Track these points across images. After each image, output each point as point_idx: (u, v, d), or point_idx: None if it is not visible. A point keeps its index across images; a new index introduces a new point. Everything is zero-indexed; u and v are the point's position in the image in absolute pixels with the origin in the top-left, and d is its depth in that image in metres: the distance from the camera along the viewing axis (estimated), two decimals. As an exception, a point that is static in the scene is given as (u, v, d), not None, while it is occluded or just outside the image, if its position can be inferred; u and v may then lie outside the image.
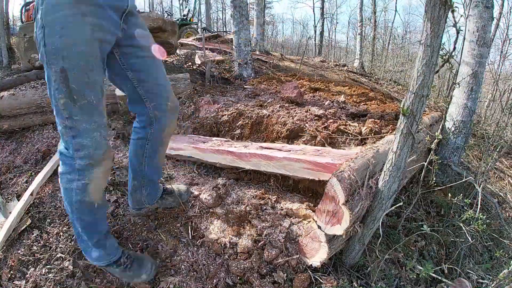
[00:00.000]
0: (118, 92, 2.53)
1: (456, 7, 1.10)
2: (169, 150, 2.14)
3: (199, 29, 10.15)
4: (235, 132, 2.33)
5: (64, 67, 1.02)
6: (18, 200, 1.79)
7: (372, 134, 2.00)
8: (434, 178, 2.15)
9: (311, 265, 1.49)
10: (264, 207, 1.67)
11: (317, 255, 1.44)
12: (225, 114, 2.44)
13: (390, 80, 6.87)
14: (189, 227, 1.66)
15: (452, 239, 1.96)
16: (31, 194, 1.75)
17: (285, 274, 1.48)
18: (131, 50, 1.26)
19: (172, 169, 2.11)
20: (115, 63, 1.27)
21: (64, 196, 1.24)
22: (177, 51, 4.88)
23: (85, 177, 1.16)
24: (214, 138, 2.20)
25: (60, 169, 1.22)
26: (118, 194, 1.85)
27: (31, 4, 3.45)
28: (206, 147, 1.95)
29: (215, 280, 1.43)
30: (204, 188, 1.82)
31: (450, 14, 1.13)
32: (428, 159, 1.80)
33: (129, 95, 1.37)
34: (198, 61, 4.56)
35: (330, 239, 1.42)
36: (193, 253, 1.55)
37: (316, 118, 2.28)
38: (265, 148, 1.80)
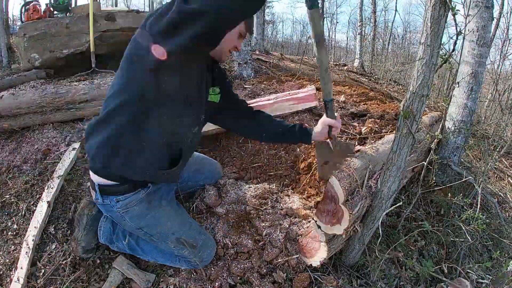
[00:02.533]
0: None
1: (457, 10, 1.10)
2: None
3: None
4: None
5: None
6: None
7: (372, 134, 2.00)
8: (434, 178, 2.15)
9: (311, 265, 1.49)
10: (264, 207, 1.67)
11: (317, 254, 1.44)
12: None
13: (390, 80, 6.87)
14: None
15: (452, 238, 1.96)
16: (48, 206, 1.75)
17: (285, 274, 1.48)
18: None
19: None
20: None
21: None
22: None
23: None
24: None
25: None
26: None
27: (31, 4, 3.45)
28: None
29: (217, 283, 1.43)
30: (205, 188, 1.82)
31: (450, 14, 1.13)
32: (428, 159, 1.80)
33: None
34: (198, 61, 4.55)
35: (330, 238, 1.42)
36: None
37: (316, 118, 2.28)
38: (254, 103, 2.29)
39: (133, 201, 1.24)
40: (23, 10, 3.52)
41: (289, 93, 2.39)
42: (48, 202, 1.75)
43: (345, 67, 7.35)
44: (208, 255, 1.45)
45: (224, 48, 1.25)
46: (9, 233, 1.73)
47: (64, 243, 1.60)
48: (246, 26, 1.26)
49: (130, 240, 1.45)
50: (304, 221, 1.58)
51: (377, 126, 2.11)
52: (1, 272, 1.57)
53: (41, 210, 1.72)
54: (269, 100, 2.30)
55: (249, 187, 1.81)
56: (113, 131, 1.13)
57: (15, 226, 1.75)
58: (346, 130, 2.07)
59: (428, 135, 2.16)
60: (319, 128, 1.41)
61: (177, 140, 1.24)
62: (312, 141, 1.49)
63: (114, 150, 1.13)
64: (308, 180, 1.85)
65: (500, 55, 8.17)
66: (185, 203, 1.79)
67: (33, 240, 1.58)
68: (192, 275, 1.47)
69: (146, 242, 1.45)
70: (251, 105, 1.63)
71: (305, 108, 2.22)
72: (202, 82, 1.24)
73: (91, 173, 1.24)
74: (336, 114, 1.38)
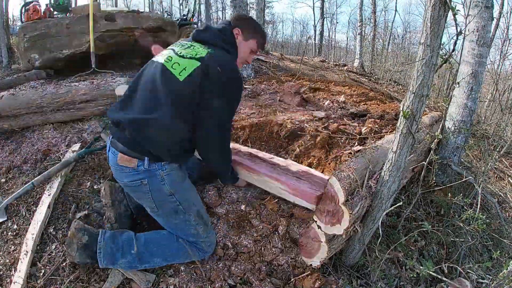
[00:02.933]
0: (118, 92, 2.53)
1: (457, 10, 1.10)
2: None
3: (199, 29, 10.12)
4: (237, 132, 2.33)
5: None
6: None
7: (372, 134, 2.00)
8: (434, 178, 2.15)
9: (311, 265, 1.49)
10: (264, 207, 1.67)
11: (317, 255, 1.44)
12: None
13: (390, 80, 6.87)
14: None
15: (452, 239, 1.96)
16: (48, 207, 1.75)
17: (285, 274, 1.48)
18: None
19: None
20: None
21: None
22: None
23: None
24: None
25: None
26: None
27: (31, 4, 3.45)
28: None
29: (217, 284, 1.43)
30: (205, 188, 1.82)
31: (450, 14, 1.13)
32: (428, 159, 1.80)
33: None
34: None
35: (330, 239, 1.42)
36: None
37: (316, 118, 2.28)
38: (254, 156, 1.79)
39: (174, 167, 1.41)
40: (23, 11, 3.53)
41: (290, 172, 1.64)
42: (48, 202, 1.75)
43: (345, 67, 7.35)
44: (213, 240, 1.52)
45: (239, 58, 1.51)
46: (9, 233, 1.73)
47: (64, 244, 1.60)
48: (257, 44, 1.54)
49: (140, 246, 1.43)
50: (304, 221, 1.58)
51: (377, 126, 2.11)
52: (1, 273, 1.57)
53: (41, 211, 1.72)
54: (266, 161, 1.76)
55: (249, 187, 1.81)
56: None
57: (15, 227, 1.75)
58: (346, 130, 2.07)
59: (428, 135, 2.16)
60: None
61: None
62: None
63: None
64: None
65: (500, 55, 8.17)
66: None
67: (33, 241, 1.58)
68: (192, 276, 1.47)
69: (158, 239, 1.47)
70: (248, 157, 1.80)
71: (294, 202, 1.52)
72: None
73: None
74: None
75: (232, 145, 1.98)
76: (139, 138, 1.31)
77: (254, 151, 1.88)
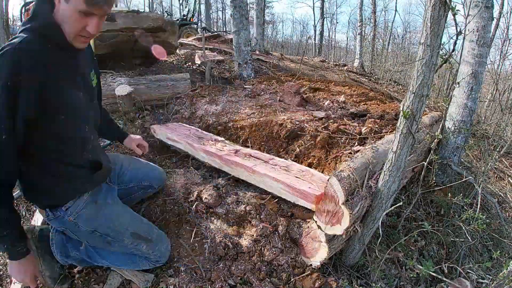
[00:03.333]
0: (118, 92, 2.53)
1: (457, 10, 1.10)
2: (166, 139, 2.14)
3: (199, 29, 10.14)
4: (237, 133, 2.33)
5: None
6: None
7: (372, 134, 2.00)
8: (434, 178, 2.15)
9: (311, 265, 1.49)
10: (264, 207, 1.67)
11: (317, 255, 1.44)
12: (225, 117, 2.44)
13: (390, 80, 6.87)
14: (193, 233, 1.66)
15: (452, 239, 1.96)
16: None
17: (285, 274, 1.48)
18: None
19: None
20: None
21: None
22: (177, 51, 4.88)
23: None
24: (210, 135, 2.20)
25: None
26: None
27: (31, 4, 3.45)
28: (197, 146, 1.94)
29: (217, 284, 1.43)
30: (205, 188, 1.82)
31: (450, 14, 1.13)
32: (428, 159, 1.80)
33: None
34: (198, 61, 4.56)
35: (330, 239, 1.42)
36: (194, 258, 1.55)
37: (316, 118, 2.28)
38: (253, 157, 1.78)
39: (80, 205, 1.26)
40: (23, 11, 3.53)
41: (289, 172, 1.66)
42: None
43: (345, 67, 7.35)
44: (165, 249, 1.47)
45: (68, 30, 1.04)
46: (9, 233, 1.73)
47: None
48: (85, 1, 0.98)
49: (87, 245, 1.40)
50: (304, 221, 1.58)
51: (377, 126, 2.11)
52: (1, 272, 1.57)
53: (39, 213, 1.72)
54: (267, 162, 1.76)
55: (249, 187, 1.81)
56: None
57: (15, 227, 1.75)
58: (346, 130, 2.07)
59: (428, 135, 2.16)
60: (131, 143, 1.71)
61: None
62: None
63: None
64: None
65: (500, 55, 8.17)
66: (184, 203, 1.79)
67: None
68: (192, 276, 1.47)
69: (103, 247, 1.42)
70: (248, 158, 1.75)
71: (295, 202, 1.52)
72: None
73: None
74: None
75: (233, 146, 1.99)
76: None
77: (254, 152, 1.88)
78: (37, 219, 1.68)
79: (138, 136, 1.76)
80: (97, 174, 1.31)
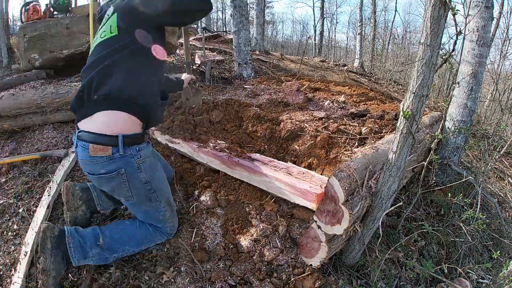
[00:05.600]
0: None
1: (457, 10, 1.10)
2: (166, 142, 2.14)
3: (199, 29, 10.14)
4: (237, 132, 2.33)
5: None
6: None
7: (372, 134, 2.00)
8: (434, 178, 2.15)
9: (311, 265, 1.49)
10: (264, 207, 1.67)
11: (317, 255, 1.44)
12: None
13: (390, 80, 6.87)
14: (193, 233, 1.66)
15: (452, 239, 1.96)
16: (48, 207, 1.75)
17: (285, 274, 1.48)
18: None
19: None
20: None
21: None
22: (177, 51, 4.87)
23: None
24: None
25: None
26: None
27: (31, 4, 3.45)
28: (197, 147, 1.94)
29: (218, 285, 1.43)
30: (203, 190, 1.82)
31: (450, 14, 1.13)
32: (428, 159, 1.80)
33: None
34: (198, 61, 4.56)
35: (330, 239, 1.42)
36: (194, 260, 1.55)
37: (316, 118, 2.28)
38: (253, 159, 1.79)
39: (148, 153, 1.39)
40: (23, 11, 3.52)
41: (290, 173, 1.63)
42: (48, 203, 1.75)
43: (345, 67, 7.35)
44: (176, 224, 1.59)
45: None
46: (9, 233, 1.73)
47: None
48: None
49: (105, 237, 1.43)
50: (304, 221, 1.58)
51: (377, 126, 2.11)
52: (1, 273, 1.57)
53: (41, 211, 1.72)
54: (267, 164, 1.73)
55: (249, 187, 1.80)
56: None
57: (15, 227, 1.75)
58: (346, 130, 2.07)
59: (428, 135, 2.16)
60: (186, 80, 2.02)
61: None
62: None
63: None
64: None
65: (500, 55, 8.17)
66: (184, 202, 1.79)
67: (32, 241, 1.58)
68: (193, 276, 1.47)
69: (122, 229, 1.49)
70: (248, 160, 1.78)
71: (295, 201, 1.51)
72: None
73: (112, 123, 1.29)
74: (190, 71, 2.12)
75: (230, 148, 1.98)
76: (102, 91, 1.26)
77: (253, 154, 1.88)
78: (37, 219, 1.68)
79: (188, 76, 2.07)
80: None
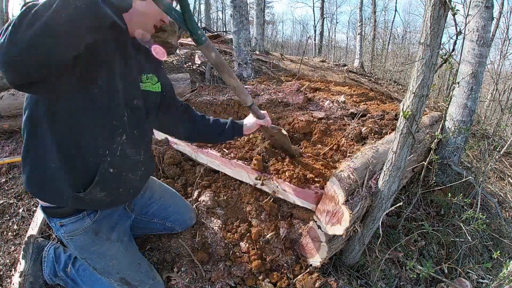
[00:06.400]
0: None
1: (457, 10, 1.10)
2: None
3: (199, 29, 10.13)
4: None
5: None
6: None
7: (372, 134, 2.00)
8: (434, 178, 2.15)
9: (311, 265, 1.49)
10: (264, 207, 1.67)
11: (317, 255, 1.44)
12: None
13: (390, 80, 6.87)
14: (193, 233, 1.66)
15: (452, 239, 1.96)
16: None
17: (286, 275, 1.48)
18: None
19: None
20: None
21: None
22: (177, 51, 4.87)
23: None
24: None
25: None
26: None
27: (31, 4, 3.45)
28: (197, 148, 1.94)
29: (218, 285, 1.43)
30: (202, 191, 1.82)
31: (450, 14, 1.13)
32: (428, 159, 1.80)
33: None
34: (198, 61, 4.56)
35: (330, 239, 1.42)
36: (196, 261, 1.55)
37: (316, 118, 2.28)
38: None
39: (78, 230, 1.09)
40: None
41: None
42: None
43: (345, 67, 7.35)
44: None
45: (144, 22, 1.05)
46: (9, 233, 1.73)
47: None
48: None
49: (73, 269, 1.36)
50: (304, 222, 1.58)
51: (377, 126, 2.11)
52: (1, 273, 1.57)
53: (41, 212, 1.72)
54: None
55: (249, 187, 1.80)
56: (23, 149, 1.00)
57: (15, 227, 1.76)
58: (346, 130, 2.06)
59: (428, 135, 2.16)
60: (248, 125, 1.46)
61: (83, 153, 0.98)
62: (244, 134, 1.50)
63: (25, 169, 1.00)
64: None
65: (500, 55, 8.17)
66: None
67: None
68: (193, 276, 1.47)
69: (89, 273, 1.35)
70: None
71: (295, 202, 1.48)
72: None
73: None
74: (263, 112, 1.43)
75: (230, 149, 1.98)
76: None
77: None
78: (37, 219, 1.68)
79: (254, 120, 1.45)
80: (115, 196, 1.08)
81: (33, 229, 1.64)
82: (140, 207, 1.40)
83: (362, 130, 2.05)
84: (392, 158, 1.36)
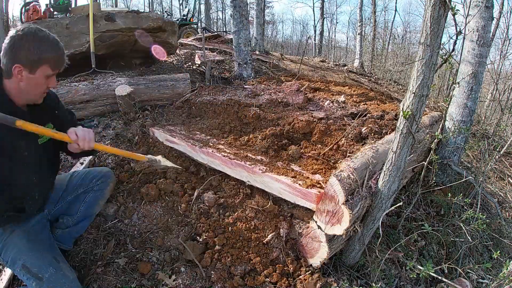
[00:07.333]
0: (118, 92, 2.53)
1: (457, 10, 1.10)
2: (165, 141, 2.14)
3: (199, 29, 10.15)
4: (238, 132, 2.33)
5: None
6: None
7: (372, 134, 2.00)
8: (434, 178, 2.15)
9: (311, 265, 1.49)
10: (264, 207, 1.67)
11: (317, 255, 1.44)
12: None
13: (390, 80, 6.87)
14: (193, 233, 1.66)
15: (452, 239, 1.96)
16: None
17: (286, 275, 1.48)
18: None
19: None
20: None
21: None
22: (177, 51, 4.88)
23: None
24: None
25: None
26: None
27: (31, 4, 3.45)
28: (198, 148, 1.94)
29: (218, 285, 1.43)
30: (203, 192, 1.82)
31: (450, 14, 1.13)
32: (428, 159, 1.80)
33: None
34: (198, 61, 4.57)
35: (330, 239, 1.42)
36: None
37: (316, 118, 2.28)
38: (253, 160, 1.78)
39: None
40: (23, 11, 3.52)
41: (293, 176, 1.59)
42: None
43: (345, 67, 7.35)
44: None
45: (32, 94, 1.21)
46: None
47: None
48: (51, 67, 1.18)
49: None
50: (304, 221, 1.58)
51: (377, 126, 2.11)
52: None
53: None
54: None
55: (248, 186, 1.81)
56: None
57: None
58: (346, 130, 2.06)
59: (428, 135, 2.16)
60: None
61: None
62: None
63: None
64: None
65: (500, 55, 8.18)
66: (184, 202, 1.78)
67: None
68: (193, 276, 1.47)
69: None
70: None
71: (295, 202, 1.50)
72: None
73: None
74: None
75: (230, 149, 1.98)
76: None
77: (253, 156, 1.88)
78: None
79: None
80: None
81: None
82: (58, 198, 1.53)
83: (362, 130, 2.05)
84: (392, 158, 1.36)
